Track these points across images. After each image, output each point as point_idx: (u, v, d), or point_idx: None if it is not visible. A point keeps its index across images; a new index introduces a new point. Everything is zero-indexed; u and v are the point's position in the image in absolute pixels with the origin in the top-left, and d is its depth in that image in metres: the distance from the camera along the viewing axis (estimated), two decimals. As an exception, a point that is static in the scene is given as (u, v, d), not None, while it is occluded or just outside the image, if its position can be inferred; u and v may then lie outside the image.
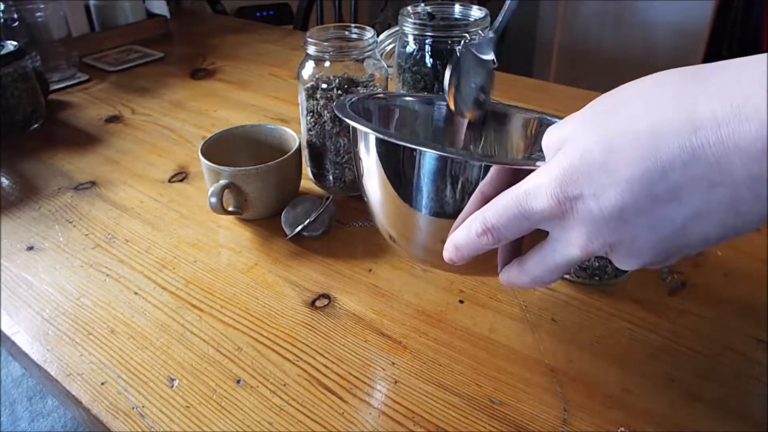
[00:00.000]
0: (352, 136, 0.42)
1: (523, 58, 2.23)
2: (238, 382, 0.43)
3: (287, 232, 0.57)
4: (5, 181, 0.70)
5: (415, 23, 0.59)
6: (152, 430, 0.39)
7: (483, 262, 0.36)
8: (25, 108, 0.79)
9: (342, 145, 0.59)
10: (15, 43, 0.79)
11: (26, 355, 0.46)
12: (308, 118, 0.60)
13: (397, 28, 0.63)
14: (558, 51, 2.07)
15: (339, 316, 0.49)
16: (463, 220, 0.33)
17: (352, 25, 0.60)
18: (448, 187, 0.36)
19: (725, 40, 1.92)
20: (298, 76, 0.59)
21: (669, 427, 0.39)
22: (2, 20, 0.86)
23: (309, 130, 0.61)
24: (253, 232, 0.59)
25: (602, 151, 0.26)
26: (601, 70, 2.01)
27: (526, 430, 0.39)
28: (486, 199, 0.32)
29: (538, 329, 0.47)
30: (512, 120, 0.50)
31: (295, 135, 0.61)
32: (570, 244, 0.30)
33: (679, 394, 0.41)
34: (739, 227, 0.26)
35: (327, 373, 0.43)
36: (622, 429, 0.39)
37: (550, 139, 0.31)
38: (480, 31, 0.59)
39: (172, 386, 0.43)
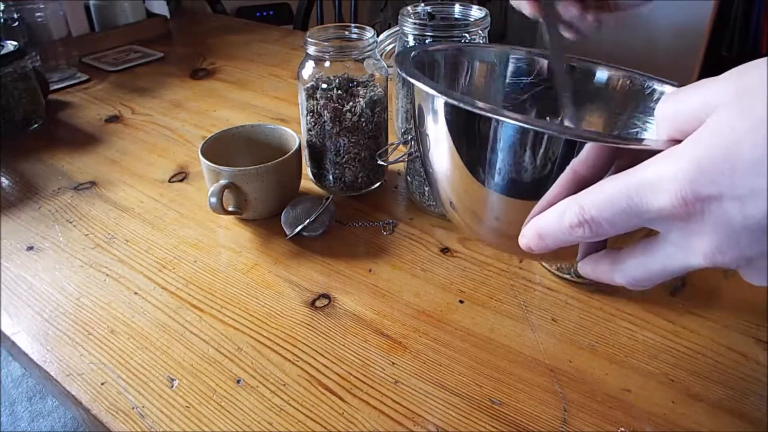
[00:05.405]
0: (413, 95, 0.37)
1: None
2: (238, 382, 0.43)
3: (287, 232, 0.57)
4: (5, 181, 0.69)
5: (415, 23, 0.59)
6: (152, 430, 0.39)
7: (562, 249, 0.30)
8: (25, 108, 0.79)
9: (342, 145, 0.59)
10: (15, 43, 0.79)
11: (26, 355, 0.46)
12: (308, 118, 0.60)
13: (397, 28, 0.63)
14: (558, 51, 2.07)
15: (339, 316, 0.49)
16: (549, 203, 0.28)
17: (352, 25, 0.60)
18: (529, 162, 0.30)
19: (725, 40, 1.92)
20: (298, 76, 0.60)
21: (669, 427, 0.39)
22: (2, 20, 0.86)
23: (309, 130, 0.61)
24: (253, 232, 0.59)
25: (758, 143, 0.21)
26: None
27: (526, 430, 0.39)
28: (579, 180, 0.28)
29: (538, 329, 0.47)
30: (590, 76, 0.42)
31: (295, 135, 0.61)
32: (690, 251, 0.24)
33: (679, 394, 0.41)
34: None
35: (327, 373, 0.43)
36: (622, 429, 0.39)
37: (669, 109, 0.24)
38: (480, 31, 0.59)
39: (172, 386, 0.43)
